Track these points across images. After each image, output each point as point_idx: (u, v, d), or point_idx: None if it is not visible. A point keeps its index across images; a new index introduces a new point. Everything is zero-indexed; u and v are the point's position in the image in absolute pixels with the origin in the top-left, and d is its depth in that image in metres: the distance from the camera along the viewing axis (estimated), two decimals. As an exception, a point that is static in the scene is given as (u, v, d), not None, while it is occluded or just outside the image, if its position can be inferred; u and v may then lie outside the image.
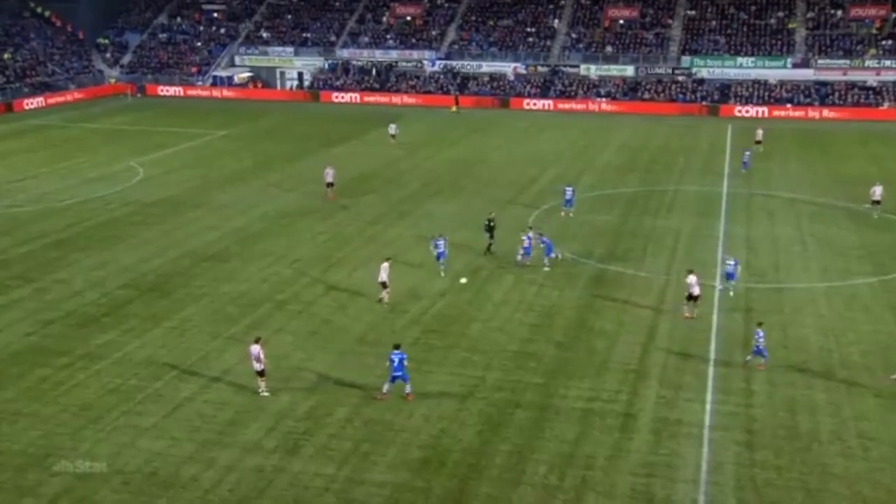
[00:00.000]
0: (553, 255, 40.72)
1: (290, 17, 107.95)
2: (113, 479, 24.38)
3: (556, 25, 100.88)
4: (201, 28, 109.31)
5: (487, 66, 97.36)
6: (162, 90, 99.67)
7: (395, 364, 27.93)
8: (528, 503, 23.27)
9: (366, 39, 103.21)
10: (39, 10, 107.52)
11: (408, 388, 28.36)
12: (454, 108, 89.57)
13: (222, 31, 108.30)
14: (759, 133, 67.96)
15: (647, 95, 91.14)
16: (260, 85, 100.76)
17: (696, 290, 34.43)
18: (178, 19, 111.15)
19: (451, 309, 36.22)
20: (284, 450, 25.78)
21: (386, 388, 28.28)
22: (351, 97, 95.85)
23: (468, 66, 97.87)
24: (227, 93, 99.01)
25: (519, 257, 40.97)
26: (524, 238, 40.81)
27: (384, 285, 36.31)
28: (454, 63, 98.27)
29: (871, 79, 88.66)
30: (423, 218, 49.88)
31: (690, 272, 34.97)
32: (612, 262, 42.06)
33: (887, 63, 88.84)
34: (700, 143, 72.47)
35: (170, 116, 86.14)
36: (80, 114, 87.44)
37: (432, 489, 23.87)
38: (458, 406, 28.06)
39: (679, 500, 23.44)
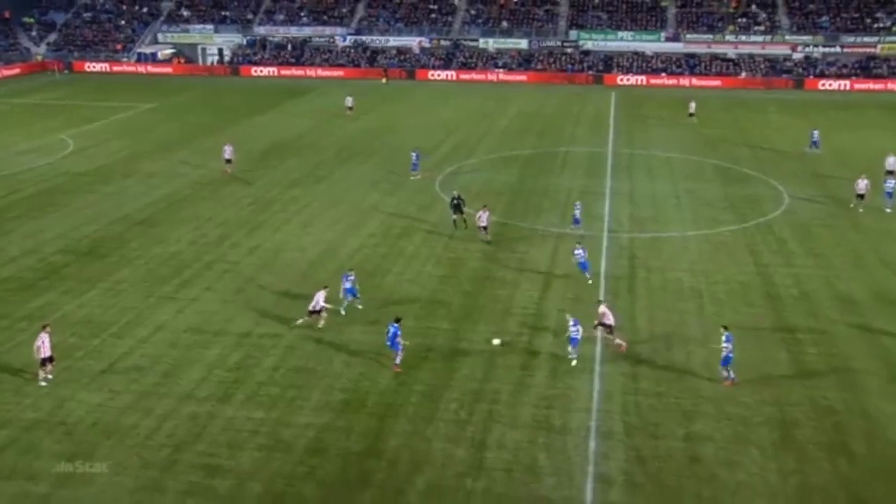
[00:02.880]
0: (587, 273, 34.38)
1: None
2: (56, 430, 23.79)
3: (456, 2, 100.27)
4: (124, 7, 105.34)
5: (394, 41, 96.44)
6: (89, 66, 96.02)
7: (389, 335, 26.96)
8: (440, 436, 23.49)
9: (281, 17, 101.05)
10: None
11: (397, 360, 26.96)
12: (384, 80, 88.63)
13: (144, 10, 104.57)
14: (692, 106, 67.36)
15: (539, 66, 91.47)
16: (182, 61, 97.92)
17: (609, 320, 28.48)
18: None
19: (367, 263, 36.04)
20: (216, 398, 25.47)
21: (398, 359, 27.20)
22: (269, 71, 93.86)
23: (377, 41, 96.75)
24: (151, 69, 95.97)
25: (588, 275, 34.20)
26: (578, 252, 34.11)
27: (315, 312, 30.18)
28: (364, 38, 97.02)
29: (731, 52, 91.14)
30: (338, 181, 49.39)
31: (600, 303, 29.63)
32: (511, 218, 42.38)
33: (743, 38, 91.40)
34: (587, 109, 73.22)
35: (97, 92, 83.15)
36: (9, 90, 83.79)
37: (353, 428, 23.90)
38: (375, 352, 28.04)
39: (574, 427, 23.96)
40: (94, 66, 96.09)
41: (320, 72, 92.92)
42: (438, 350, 28.42)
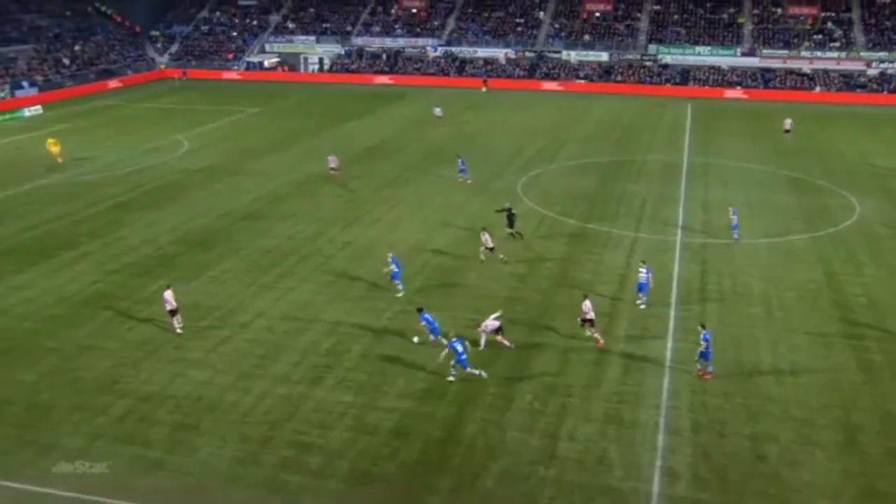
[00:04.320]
0: (644, 296, 31.52)
1: (312, 10, 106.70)
2: (167, 403, 24.54)
3: (541, 17, 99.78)
4: (237, 20, 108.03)
5: (482, 52, 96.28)
6: (204, 74, 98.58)
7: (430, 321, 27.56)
8: (515, 426, 23.36)
9: (377, 29, 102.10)
10: (103, 8, 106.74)
11: (431, 338, 27.69)
12: (484, 89, 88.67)
13: (254, 22, 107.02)
14: (788, 122, 63.18)
15: (619, 78, 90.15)
16: (286, 69, 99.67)
17: (590, 315, 28.14)
18: (218, 13, 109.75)
19: (450, 261, 36.08)
20: (309, 381, 25.85)
21: (433, 339, 27.73)
22: (364, 79, 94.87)
23: (465, 52, 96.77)
24: (258, 76, 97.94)
25: (643, 299, 31.45)
26: (642, 271, 31.53)
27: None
28: (453, 49, 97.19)
29: (806, 67, 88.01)
30: (426, 183, 49.55)
31: (585, 297, 28.64)
32: (589, 221, 41.88)
33: (819, 53, 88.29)
34: (664, 120, 71.88)
35: (210, 97, 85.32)
36: (136, 95, 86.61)
37: (434, 414, 23.95)
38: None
39: (644, 422, 23.55)
40: (208, 74, 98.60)
41: (411, 80, 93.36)
42: (515, 344, 28.23)
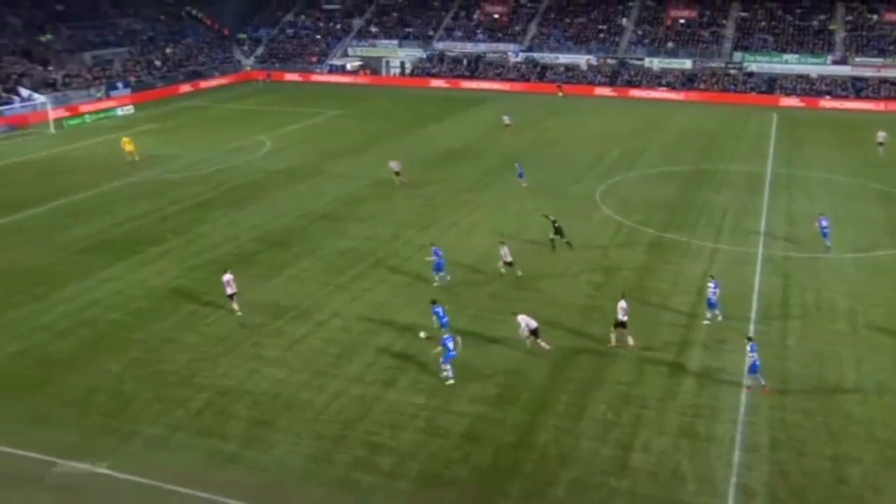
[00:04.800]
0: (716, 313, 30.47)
1: (395, 14, 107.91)
2: (244, 398, 25.13)
3: (624, 23, 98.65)
4: (321, 24, 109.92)
5: (564, 58, 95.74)
6: (287, 77, 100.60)
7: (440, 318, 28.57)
8: (588, 435, 23.16)
9: (459, 34, 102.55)
10: (194, 12, 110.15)
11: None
12: (560, 94, 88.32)
13: (338, 26, 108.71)
14: (882, 135, 59.36)
15: (702, 86, 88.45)
16: (368, 72, 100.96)
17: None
18: (302, 17, 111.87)
19: (526, 267, 35.73)
20: (382, 382, 26.10)
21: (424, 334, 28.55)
22: (445, 83, 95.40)
23: (546, 58, 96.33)
24: (340, 79, 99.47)
25: (709, 316, 30.44)
26: (710, 286, 30.46)
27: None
28: (535, 55, 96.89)
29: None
30: (503, 187, 49.46)
31: (622, 296, 28.74)
32: (668, 231, 41.23)
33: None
34: (748, 129, 70.19)
35: (293, 99, 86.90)
36: (222, 96, 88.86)
37: (506, 420, 23.92)
38: (529, 350, 27.96)
39: (720, 436, 23.07)
40: (291, 77, 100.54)
41: (492, 84, 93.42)
42: (590, 352, 28.00)
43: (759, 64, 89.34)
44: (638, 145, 62.59)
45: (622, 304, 28.28)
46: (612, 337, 28.31)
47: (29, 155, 60.09)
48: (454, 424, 23.67)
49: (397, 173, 50.31)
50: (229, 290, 30.95)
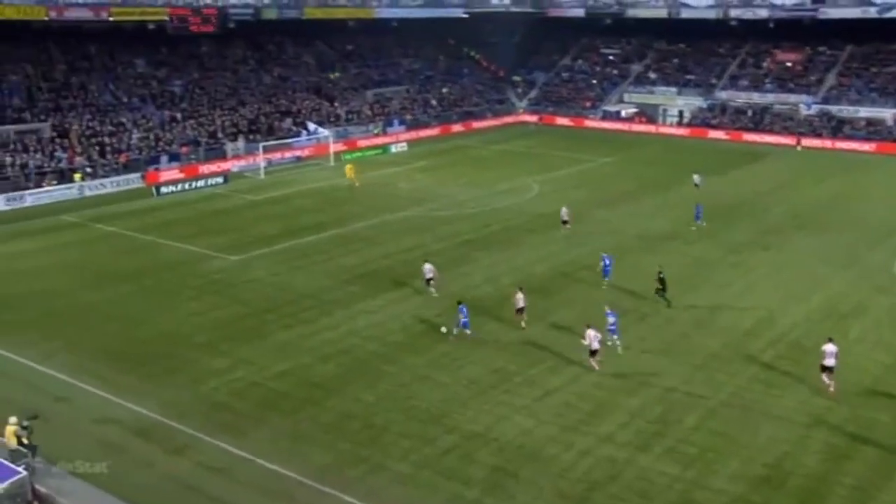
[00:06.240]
0: None
1: (676, 60, 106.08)
2: (490, 444, 25.34)
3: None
4: (597, 69, 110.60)
5: (864, 111, 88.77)
6: (559, 121, 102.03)
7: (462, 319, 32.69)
8: (868, 538, 20.84)
9: (745, 82, 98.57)
10: (472, 53, 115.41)
11: (454, 331, 32.90)
12: (798, 148, 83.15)
13: (615, 72, 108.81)
14: None
15: None
16: (644, 119, 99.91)
17: (595, 345, 30.09)
18: (580, 61, 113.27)
19: (806, 339, 33.30)
20: (635, 445, 25.22)
21: (455, 331, 32.71)
22: (725, 134, 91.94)
23: (844, 111, 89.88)
24: (613, 125, 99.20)
25: None
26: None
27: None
28: (830, 107, 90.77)
29: None
30: (786, 249, 46.46)
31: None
32: (981, 313, 36.51)
33: None
34: None
35: (563, 143, 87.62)
36: (493, 137, 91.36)
37: (770, 505, 22.14)
38: (803, 432, 25.81)
39: None
40: (563, 121, 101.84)
41: (779, 139, 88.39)
42: (876, 445, 25.25)
43: None
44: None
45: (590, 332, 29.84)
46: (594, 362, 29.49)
47: (311, 184, 65.62)
48: (709, 501, 22.28)
49: (565, 222, 49.79)
50: (428, 275, 37.85)
